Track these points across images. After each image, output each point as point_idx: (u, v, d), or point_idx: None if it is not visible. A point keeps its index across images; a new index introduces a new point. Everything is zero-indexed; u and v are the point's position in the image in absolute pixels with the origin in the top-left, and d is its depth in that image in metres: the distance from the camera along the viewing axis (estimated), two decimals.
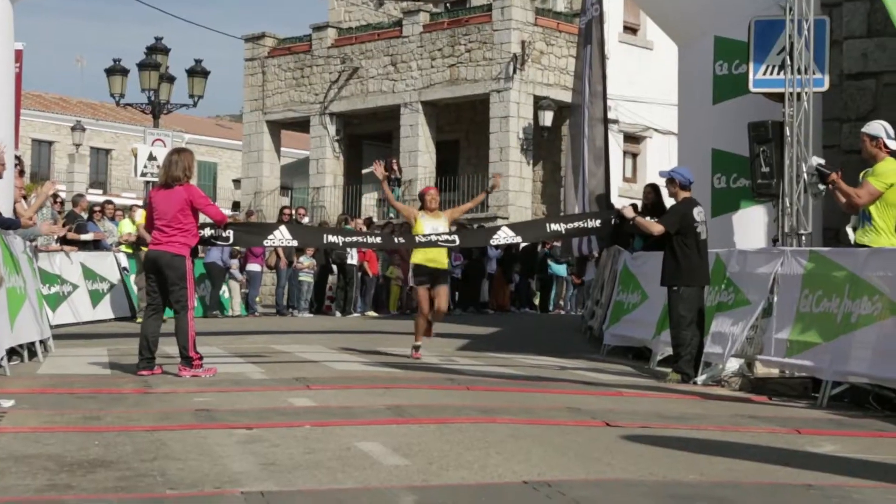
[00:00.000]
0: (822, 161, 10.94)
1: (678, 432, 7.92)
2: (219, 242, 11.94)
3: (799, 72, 11.96)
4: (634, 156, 37.83)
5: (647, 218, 12.60)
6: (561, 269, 31.17)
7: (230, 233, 11.66)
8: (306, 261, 24.84)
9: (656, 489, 5.70)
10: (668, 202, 13.28)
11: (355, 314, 25.44)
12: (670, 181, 11.95)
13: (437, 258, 13.18)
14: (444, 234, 12.80)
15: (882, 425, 8.74)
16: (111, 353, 13.83)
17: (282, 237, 11.98)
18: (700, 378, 11.56)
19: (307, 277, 25.15)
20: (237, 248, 24.61)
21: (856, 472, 6.46)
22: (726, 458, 6.81)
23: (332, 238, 13.40)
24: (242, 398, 9.40)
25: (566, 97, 35.32)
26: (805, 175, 11.45)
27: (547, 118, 34.41)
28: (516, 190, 34.56)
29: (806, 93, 11.94)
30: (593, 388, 10.76)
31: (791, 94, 11.97)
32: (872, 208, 10.48)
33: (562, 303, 31.76)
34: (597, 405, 9.31)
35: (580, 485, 5.78)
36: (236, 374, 11.21)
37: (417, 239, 13.11)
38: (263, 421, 7.98)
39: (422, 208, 13.46)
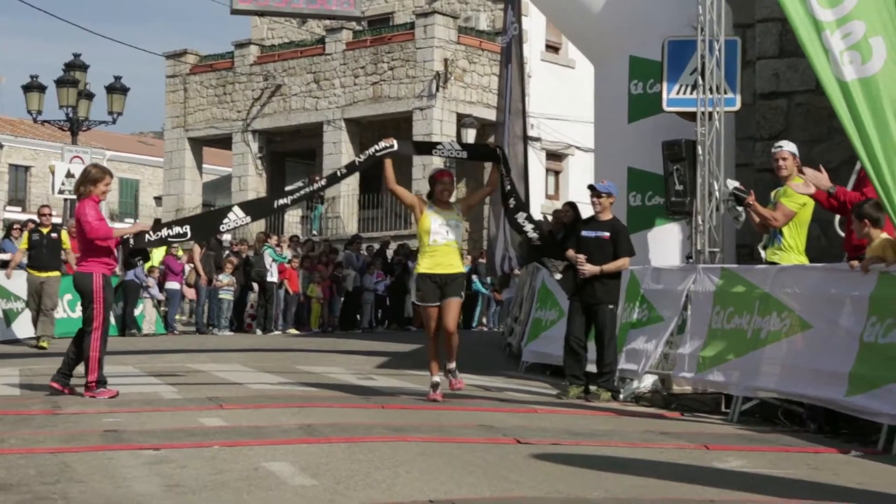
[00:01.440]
0: (738, 184, 11.05)
1: (588, 449, 7.95)
2: (175, 240, 11.81)
3: (711, 91, 12.10)
4: (557, 173, 38.08)
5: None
6: (478, 286, 31.23)
7: (186, 227, 11.47)
8: (226, 279, 24.65)
9: None
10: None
11: (276, 332, 25.29)
12: (608, 195, 11.95)
13: (450, 262, 10.78)
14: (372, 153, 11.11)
15: (789, 440, 8.85)
16: (23, 373, 13.63)
17: (237, 217, 11.42)
18: (620, 395, 11.64)
19: (227, 295, 24.94)
20: (176, 251, 24.44)
21: (760, 488, 6.53)
22: (633, 475, 6.85)
23: (281, 201, 12.16)
24: (153, 418, 9.29)
25: (489, 115, 35.51)
26: (721, 200, 11.56)
27: (470, 136, 34.53)
28: (418, 177, 34.54)
29: (718, 112, 12.08)
30: (507, 406, 10.78)
31: (703, 113, 12.10)
32: (784, 227, 10.64)
33: (484, 320, 31.81)
34: (509, 422, 9.33)
35: None
36: (149, 394, 11.08)
37: (356, 160, 11.86)
38: (172, 441, 7.89)
39: (430, 198, 10.93)
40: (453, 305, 10.72)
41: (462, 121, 34.56)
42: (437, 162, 31.25)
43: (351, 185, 35.97)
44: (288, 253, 26.54)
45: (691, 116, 12.55)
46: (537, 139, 35.38)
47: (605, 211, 11.91)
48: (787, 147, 10.87)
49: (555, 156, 37.64)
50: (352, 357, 16.92)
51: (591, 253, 11.75)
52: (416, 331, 28.07)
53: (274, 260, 25.61)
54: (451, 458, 7.36)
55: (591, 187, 12.03)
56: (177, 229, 11.37)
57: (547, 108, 35.35)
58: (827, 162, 14.89)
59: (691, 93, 12.52)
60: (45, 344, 18.07)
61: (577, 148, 37.10)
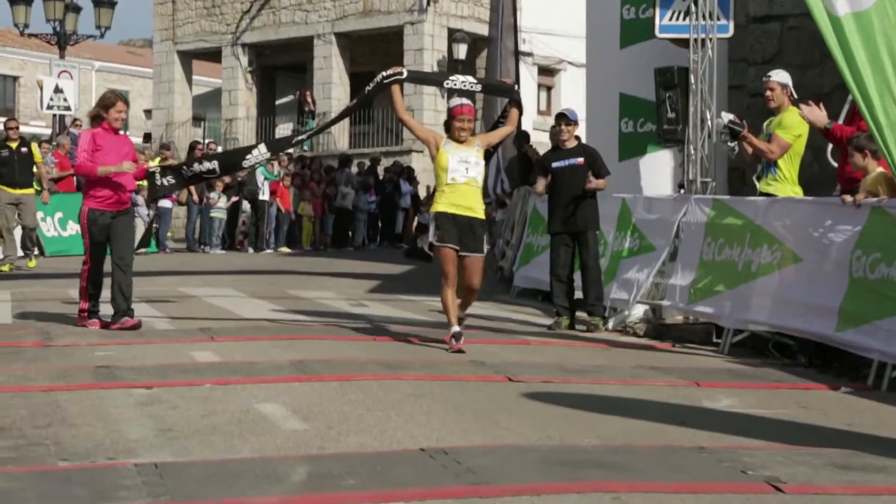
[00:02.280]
0: (732, 116, 10.96)
1: (579, 388, 7.98)
2: (209, 176, 11.72)
3: (704, 18, 11.96)
4: (549, 88, 37.83)
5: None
6: None
7: (215, 163, 11.28)
8: (218, 197, 24.58)
9: (549, 457, 5.74)
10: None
11: (268, 251, 25.29)
12: (575, 123, 11.99)
13: (470, 204, 9.81)
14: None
15: (780, 375, 8.89)
16: (14, 297, 13.62)
17: (259, 154, 11.26)
18: (609, 324, 11.69)
19: (219, 213, 24.89)
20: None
21: (749, 431, 6.56)
22: (624, 417, 6.88)
23: (300, 137, 11.85)
24: (145, 351, 9.30)
25: (480, 30, 35.14)
26: (715, 132, 11.48)
27: (461, 51, 34.19)
28: (432, 123, 34.24)
29: (711, 39, 11.95)
30: (499, 337, 10.81)
31: (696, 40, 11.98)
32: (779, 159, 10.59)
33: None
34: (501, 356, 9.36)
35: (476, 452, 5.80)
36: (141, 320, 11.06)
37: (366, 89, 10.92)
38: (164, 379, 7.91)
39: (449, 135, 9.98)
40: (476, 263, 9.79)
41: (453, 35, 34.21)
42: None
43: (342, 99, 35.70)
44: (279, 171, 26.42)
45: (684, 43, 12.42)
46: (529, 54, 35.05)
47: (571, 138, 11.95)
48: (776, 77, 10.76)
49: (547, 71, 37.36)
50: (343, 281, 16.94)
51: (567, 182, 11.77)
52: (408, 247, 28.12)
53: (266, 178, 25.53)
54: (443, 399, 7.39)
55: (562, 115, 12.00)
56: (207, 165, 11.19)
57: (539, 23, 34.99)
58: (819, 87, 14.84)
59: (684, 19, 12.36)
60: (6, 268, 17.65)
61: (570, 63, 36.78)
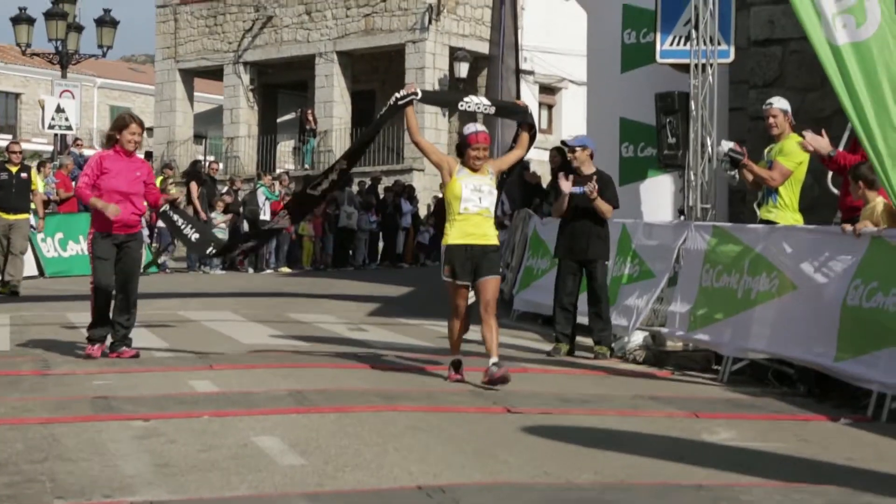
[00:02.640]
0: (732, 144, 10.94)
1: (577, 419, 7.96)
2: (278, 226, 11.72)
3: (705, 43, 11.96)
4: (550, 107, 37.87)
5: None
6: None
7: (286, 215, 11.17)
8: (219, 217, 24.58)
9: (547, 495, 5.73)
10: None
11: (268, 271, 25.27)
12: (582, 149, 11.93)
13: (484, 231, 9.41)
14: (407, 95, 9.74)
15: (779, 406, 8.86)
16: (13, 321, 13.61)
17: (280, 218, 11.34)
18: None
19: (220, 233, 24.87)
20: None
21: (749, 467, 6.54)
22: (622, 452, 6.85)
23: (322, 187, 10.57)
24: (143, 381, 9.28)
25: (482, 48, 35.15)
26: (717, 160, 11.48)
27: (463, 69, 34.30)
28: (432, 142, 34.31)
29: (711, 64, 11.95)
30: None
31: (697, 65, 11.98)
32: (781, 186, 10.57)
33: None
34: (500, 385, 9.32)
35: (474, 490, 5.78)
36: (139, 350, 11.04)
37: (379, 114, 10.47)
38: (162, 411, 7.88)
39: (462, 160, 9.51)
40: (491, 285, 9.36)
41: (455, 54, 34.31)
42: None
43: (343, 118, 35.78)
44: (280, 190, 26.42)
45: (685, 68, 12.43)
46: (530, 73, 35.11)
47: (586, 164, 11.84)
48: (778, 104, 10.75)
49: (548, 89, 37.41)
50: (343, 303, 16.93)
51: (580, 208, 11.72)
52: (408, 268, 28.13)
53: (267, 198, 25.53)
54: (440, 432, 7.36)
55: (563, 144, 12.07)
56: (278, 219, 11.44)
57: (541, 41, 35.06)
58: (820, 110, 14.85)
59: (685, 44, 12.38)
60: (5, 290, 17.53)
61: (571, 81, 36.84)
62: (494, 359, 9.12)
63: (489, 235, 9.41)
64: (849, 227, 9.26)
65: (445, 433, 7.33)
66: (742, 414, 8.45)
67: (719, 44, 12.11)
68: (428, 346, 11.86)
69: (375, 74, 37.07)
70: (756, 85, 15.31)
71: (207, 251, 11.28)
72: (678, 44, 12.44)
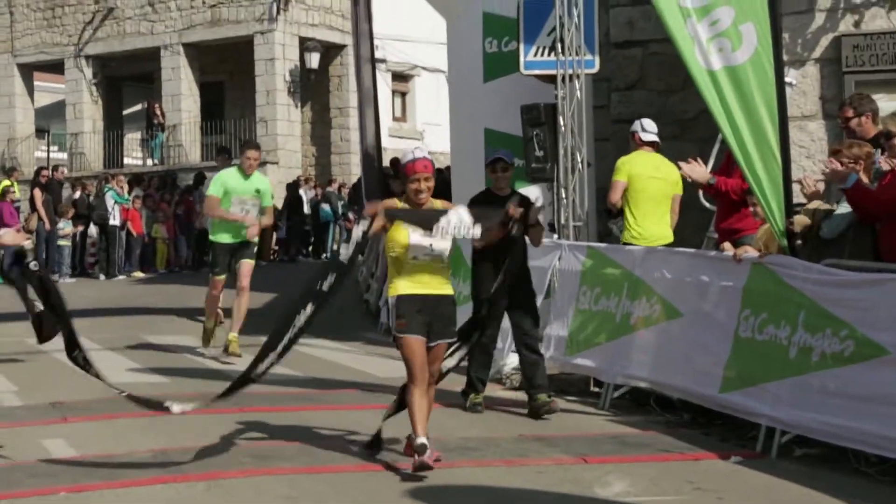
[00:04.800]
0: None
1: (462, 474, 7.55)
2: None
3: (570, 54, 11.66)
4: (403, 95, 37.43)
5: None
6: (334, 214, 30.70)
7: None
8: (67, 227, 23.60)
9: None
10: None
11: (120, 277, 24.38)
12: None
13: (437, 280, 7.77)
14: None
15: (666, 442, 8.57)
16: None
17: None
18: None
19: (66, 242, 23.92)
20: None
21: None
22: None
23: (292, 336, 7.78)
24: None
25: (333, 38, 34.64)
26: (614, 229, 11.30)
27: (314, 60, 33.60)
28: (285, 134, 33.72)
29: (579, 75, 11.66)
30: (373, 399, 10.31)
31: (563, 76, 11.67)
32: (624, 205, 10.61)
33: (335, 246, 31.35)
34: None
35: None
36: None
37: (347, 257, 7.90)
38: (12, 489, 7.22)
39: (404, 199, 7.79)
40: (440, 354, 7.90)
41: (305, 44, 33.58)
42: None
43: (192, 111, 34.78)
44: (129, 196, 25.52)
45: (549, 78, 12.13)
46: (382, 61, 34.51)
47: (506, 186, 10.03)
48: (634, 126, 10.88)
49: (401, 77, 36.93)
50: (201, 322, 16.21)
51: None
52: (267, 265, 27.38)
53: (116, 202, 24.63)
54: (319, 500, 6.90)
55: (497, 160, 9.97)
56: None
57: (392, 29, 34.51)
58: (683, 112, 14.71)
59: (549, 54, 12.07)
60: None
61: (424, 68, 36.47)
62: (422, 438, 7.44)
63: (443, 284, 7.79)
64: (728, 249, 9.07)
65: (324, 498, 6.86)
66: (631, 456, 8.14)
67: (585, 54, 11.83)
68: (304, 378, 11.33)
69: (224, 66, 36.10)
70: (618, 87, 15.10)
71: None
72: (542, 54, 12.12)
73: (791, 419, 8.11)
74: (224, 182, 12.75)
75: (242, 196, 12.75)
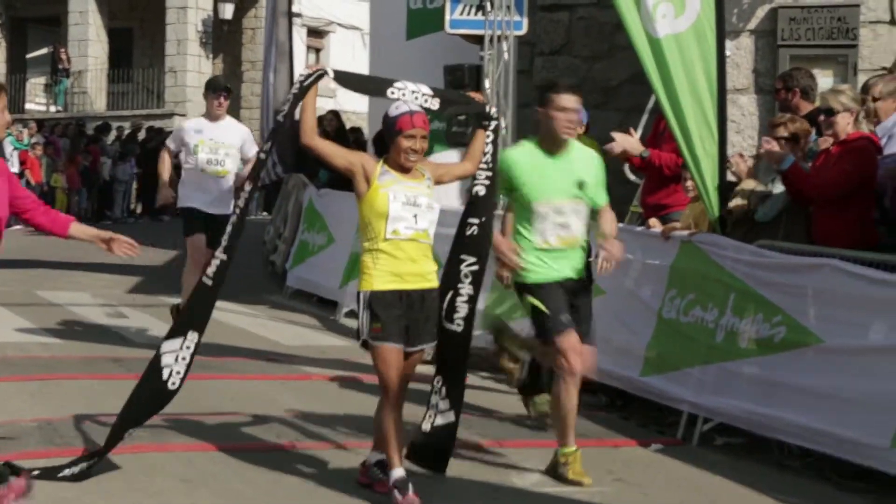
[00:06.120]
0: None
1: (366, 453, 7.10)
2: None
3: (499, 13, 11.18)
4: (318, 51, 36.71)
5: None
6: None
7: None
8: None
9: None
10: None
11: (17, 227, 23.41)
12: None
13: (421, 269, 6.38)
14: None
15: (584, 425, 8.05)
16: None
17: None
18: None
19: None
20: None
21: None
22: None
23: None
24: None
25: None
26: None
27: (227, 10, 32.77)
28: (195, 86, 32.69)
29: (507, 36, 11.19)
30: (278, 369, 9.81)
31: (492, 37, 11.20)
32: None
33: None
34: (279, 402, 8.37)
35: None
36: None
37: (286, 104, 6.58)
38: None
39: (385, 159, 6.44)
40: (419, 359, 6.49)
41: None
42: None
43: (99, 57, 33.74)
44: (29, 139, 24.58)
45: (475, 39, 11.66)
46: (298, 15, 33.73)
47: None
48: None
49: (316, 32, 36.18)
50: (100, 276, 15.57)
51: None
52: (170, 220, 26.60)
53: (15, 147, 23.67)
54: (215, 482, 6.40)
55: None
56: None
57: None
58: (607, 80, 14.32)
59: (476, 13, 11.59)
60: None
61: (339, 25, 35.78)
62: (400, 470, 6.21)
63: (428, 273, 6.40)
64: (655, 225, 8.70)
65: (221, 484, 6.37)
66: (548, 441, 7.72)
67: (514, 15, 11.38)
68: (205, 343, 10.63)
69: (134, 13, 35.05)
70: (542, 52, 14.66)
71: None
72: (469, 13, 11.64)
73: (714, 406, 7.80)
74: None
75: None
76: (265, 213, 28.34)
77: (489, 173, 6.94)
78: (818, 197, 7.89)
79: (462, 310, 6.80)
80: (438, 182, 6.68)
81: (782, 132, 8.03)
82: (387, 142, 6.44)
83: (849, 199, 7.77)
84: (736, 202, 7.97)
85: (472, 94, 7.21)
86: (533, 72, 14.64)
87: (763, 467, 7.34)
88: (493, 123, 6.93)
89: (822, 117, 7.96)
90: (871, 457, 6.71)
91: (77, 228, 6.42)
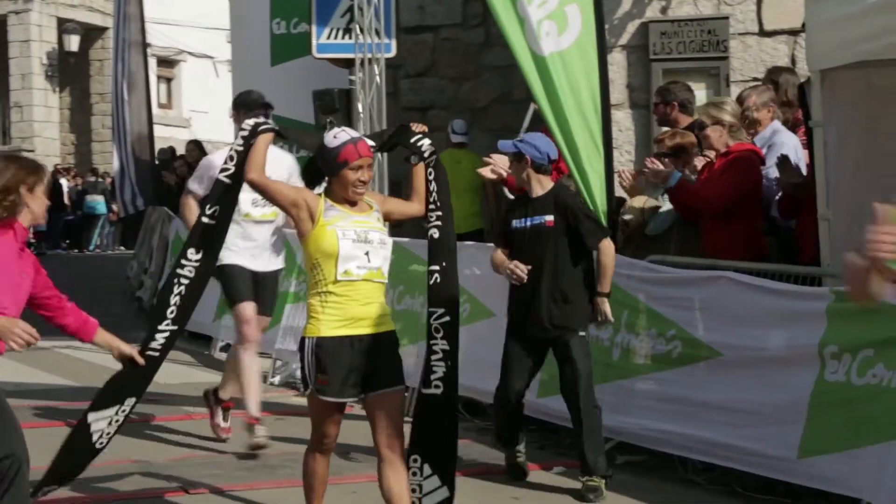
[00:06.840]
0: None
1: (261, 493, 6.81)
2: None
3: (369, 36, 11.00)
4: (169, 80, 36.06)
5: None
6: (100, 206, 29.23)
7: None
8: None
9: None
10: None
11: None
12: (518, 157, 7.32)
13: (373, 313, 5.74)
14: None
15: (479, 451, 8.00)
16: None
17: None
18: (275, 379, 10.57)
19: None
20: None
21: None
22: None
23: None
24: None
25: (93, 20, 32.98)
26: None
27: (73, 42, 31.98)
28: (42, 120, 31.94)
29: (378, 59, 11.00)
30: (155, 410, 9.40)
31: (363, 60, 11.01)
32: None
33: (99, 240, 29.99)
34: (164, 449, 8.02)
35: None
36: None
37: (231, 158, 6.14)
38: None
39: (330, 193, 5.76)
40: (396, 403, 5.78)
41: (64, 26, 31.88)
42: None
43: None
44: None
45: (343, 63, 11.47)
46: (148, 45, 33.11)
47: (537, 181, 7.25)
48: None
49: (166, 62, 35.54)
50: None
51: (526, 251, 7.35)
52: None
53: None
54: None
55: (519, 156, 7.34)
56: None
57: (156, 13, 33.10)
58: (475, 101, 14.28)
59: (344, 37, 11.40)
60: None
61: (190, 54, 35.21)
62: None
63: (383, 320, 5.78)
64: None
65: None
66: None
67: (383, 38, 11.22)
68: (76, 387, 10.27)
69: None
70: (408, 74, 14.54)
71: None
72: (336, 37, 11.43)
73: (614, 425, 7.70)
74: None
75: None
76: (122, 248, 27.71)
77: (439, 213, 6.11)
78: (706, 210, 7.89)
79: (439, 369, 6.01)
80: (387, 219, 6.07)
81: (666, 145, 8.03)
82: (327, 176, 5.77)
83: (736, 210, 7.80)
84: (631, 219, 7.91)
85: (409, 126, 6.24)
86: (399, 94, 14.51)
87: (668, 484, 7.28)
88: (431, 157, 6.05)
89: (696, 131, 8.00)
90: (779, 469, 6.68)
91: (101, 336, 5.85)
